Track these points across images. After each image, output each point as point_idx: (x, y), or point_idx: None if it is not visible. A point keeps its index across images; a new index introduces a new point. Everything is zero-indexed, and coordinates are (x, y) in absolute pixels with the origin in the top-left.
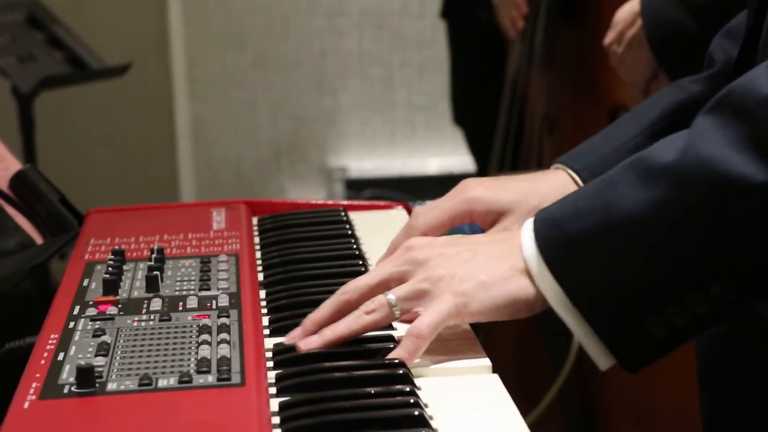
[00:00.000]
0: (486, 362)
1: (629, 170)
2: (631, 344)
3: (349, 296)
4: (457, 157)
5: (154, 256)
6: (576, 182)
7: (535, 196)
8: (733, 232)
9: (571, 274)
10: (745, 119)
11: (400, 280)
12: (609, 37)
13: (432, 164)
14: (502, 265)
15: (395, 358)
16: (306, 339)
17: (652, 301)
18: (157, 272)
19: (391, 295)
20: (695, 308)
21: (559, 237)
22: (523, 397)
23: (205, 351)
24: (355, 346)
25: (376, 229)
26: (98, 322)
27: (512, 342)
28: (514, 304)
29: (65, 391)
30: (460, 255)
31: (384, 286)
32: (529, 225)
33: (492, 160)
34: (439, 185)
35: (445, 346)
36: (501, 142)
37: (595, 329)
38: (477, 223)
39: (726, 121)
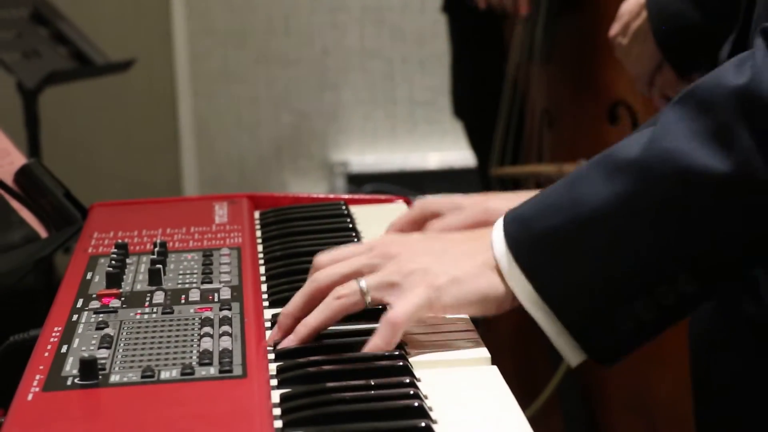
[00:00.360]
0: (485, 354)
1: (597, 166)
2: (601, 339)
3: (320, 284)
4: (457, 152)
5: (156, 249)
6: None
7: None
8: (698, 224)
9: (541, 271)
10: (709, 112)
11: (371, 271)
12: (614, 29)
13: (432, 159)
14: (474, 262)
15: (373, 350)
16: (284, 341)
17: (618, 294)
18: (160, 265)
19: (363, 282)
20: (662, 300)
21: (528, 235)
22: (523, 390)
23: (207, 343)
24: (355, 337)
25: (376, 223)
26: (101, 315)
27: (511, 335)
28: (484, 300)
29: (68, 383)
30: (432, 251)
31: (356, 275)
32: (499, 224)
33: (492, 154)
34: (439, 179)
35: (445, 338)
36: (501, 136)
37: (565, 325)
38: None
39: (691, 115)
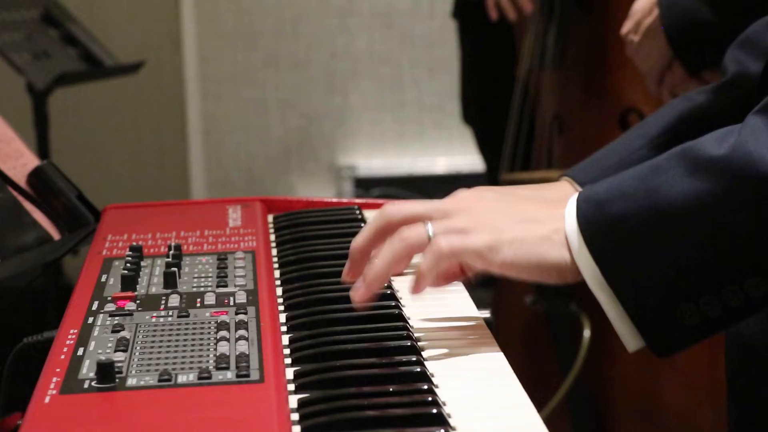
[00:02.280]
0: (504, 362)
1: (678, 158)
2: (662, 330)
3: (390, 218)
4: (465, 157)
5: (171, 252)
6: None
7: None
8: None
9: (609, 254)
10: None
11: (442, 217)
12: (626, 27)
13: (440, 163)
14: (543, 227)
15: (416, 275)
16: (356, 290)
17: (686, 289)
18: (175, 268)
19: (430, 226)
20: (728, 301)
21: (601, 217)
22: (531, 397)
23: (223, 347)
24: (373, 342)
25: None
26: (117, 318)
27: (519, 341)
28: (545, 266)
29: (86, 386)
30: (503, 210)
31: (426, 217)
32: (573, 200)
33: (503, 159)
34: (447, 184)
35: (464, 344)
36: (512, 141)
37: (627, 311)
38: None
39: None
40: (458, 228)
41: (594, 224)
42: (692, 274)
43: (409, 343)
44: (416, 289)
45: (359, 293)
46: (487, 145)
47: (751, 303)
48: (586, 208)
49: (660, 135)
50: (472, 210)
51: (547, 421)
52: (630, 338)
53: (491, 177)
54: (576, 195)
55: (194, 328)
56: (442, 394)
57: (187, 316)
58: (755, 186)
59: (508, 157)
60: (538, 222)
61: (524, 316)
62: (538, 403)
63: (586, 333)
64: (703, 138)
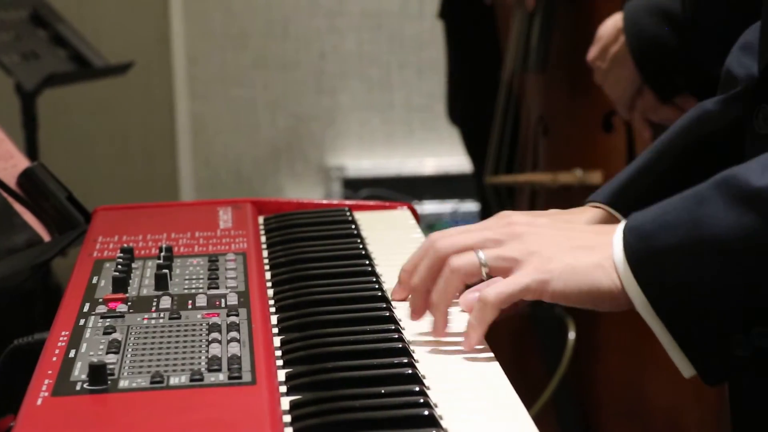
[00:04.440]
0: (495, 364)
1: (720, 189)
2: (712, 360)
3: (440, 252)
4: (453, 158)
5: (162, 254)
6: (619, 220)
7: None
8: None
9: (657, 286)
10: None
11: (493, 246)
12: (592, 53)
13: (429, 164)
14: (593, 255)
15: (468, 330)
16: (436, 329)
17: (736, 321)
18: (166, 270)
19: (482, 254)
20: None
21: (646, 249)
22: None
23: (215, 349)
24: (364, 344)
25: (381, 229)
26: (108, 320)
27: (507, 343)
28: (597, 294)
29: (78, 388)
30: (555, 236)
31: (478, 247)
32: (620, 229)
33: (487, 162)
34: (435, 185)
35: (455, 346)
36: (496, 143)
37: (677, 340)
38: None
39: None
40: (508, 257)
41: (640, 256)
42: (741, 306)
43: (400, 345)
44: (469, 344)
45: (434, 331)
46: (473, 145)
47: None
48: (632, 239)
49: (687, 158)
50: (522, 237)
51: (534, 421)
52: (683, 366)
53: (479, 178)
54: (622, 224)
55: (186, 330)
56: (433, 395)
57: (179, 318)
58: None
59: (493, 160)
60: (590, 249)
61: (511, 318)
62: (525, 403)
63: (571, 335)
64: (745, 166)
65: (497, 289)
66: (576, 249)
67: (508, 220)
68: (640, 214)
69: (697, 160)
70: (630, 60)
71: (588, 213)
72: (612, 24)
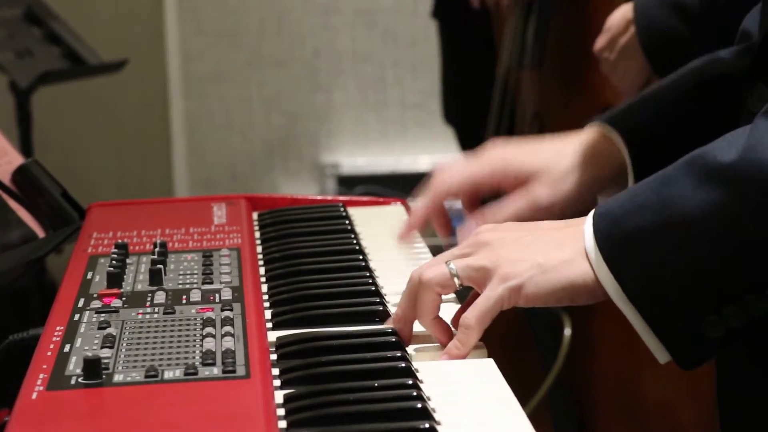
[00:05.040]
0: (489, 359)
1: (688, 168)
2: (686, 343)
3: (415, 275)
4: (448, 155)
5: (157, 249)
6: (613, 142)
7: (566, 156)
8: None
9: (628, 270)
10: None
11: (464, 256)
12: (600, 43)
13: (423, 161)
14: (563, 250)
15: (451, 356)
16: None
17: (707, 301)
18: (161, 266)
19: (452, 265)
20: (751, 310)
21: (616, 233)
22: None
23: (209, 343)
24: (358, 339)
25: (374, 225)
26: (103, 315)
27: (501, 340)
28: (572, 289)
29: (72, 382)
30: (521, 239)
31: (449, 260)
32: (590, 218)
33: None
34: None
35: (450, 340)
36: (492, 140)
37: (651, 325)
38: (503, 185)
39: None
40: (478, 265)
41: (610, 239)
42: (712, 286)
43: (393, 339)
44: (456, 357)
45: (452, 354)
46: (468, 145)
47: None
48: (602, 223)
49: (691, 91)
50: (489, 244)
51: (529, 418)
52: (658, 351)
53: None
54: (592, 212)
55: (180, 325)
56: (426, 389)
57: (173, 312)
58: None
59: None
60: (558, 244)
61: (506, 315)
62: (521, 400)
63: (567, 331)
64: (712, 144)
65: (474, 311)
66: (544, 246)
67: (477, 231)
68: (609, 200)
69: (703, 98)
70: (639, 51)
71: (582, 136)
72: (621, 15)
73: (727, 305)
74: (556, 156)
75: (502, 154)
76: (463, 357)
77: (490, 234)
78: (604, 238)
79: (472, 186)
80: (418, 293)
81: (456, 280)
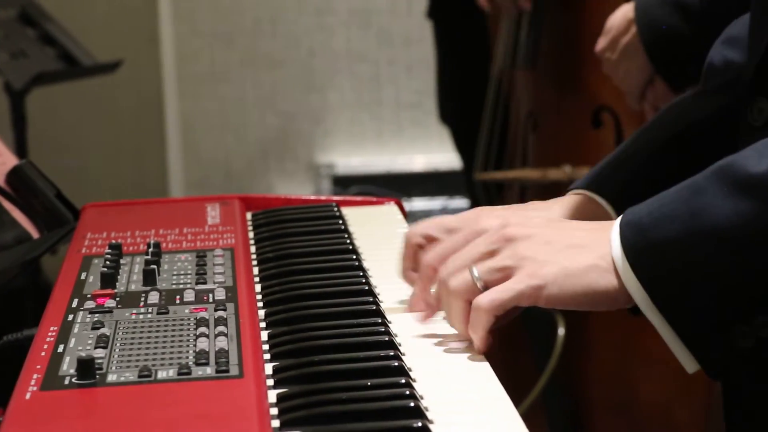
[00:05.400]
0: (482, 358)
1: (718, 178)
2: (716, 352)
3: (430, 263)
4: (443, 155)
5: (150, 250)
6: (599, 204)
7: None
8: None
9: (657, 279)
10: None
11: (487, 257)
12: (601, 44)
13: (418, 161)
14: (589, 255)
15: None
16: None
17: (738, 311)
18: (154, 266)
19: (476, 271)
20: None
21: (644, 243)
22: (508, 393)
23: (203, 343)
24: (351, 338)
25: (368, 224)
26: (97, 315)
27: (496, 339)
28: (593, 295)
29: (66, 382)
30: (549, 238)
31: (472, 263)
32: (616, 224)
33: (477, 158)
34: (425, 182)
35: (442, 340)
36: (486, 140)
37: (680, 335)
38: None
39: None
40: (501, 266)
41: (638, 249)
42: (743, 296)
43: (386, 338)
44: (480, 350)
45: (476, 347)
46: (464, 144)
47: None
48: (629, 233)
49: (669, 147)
50: (515, 241)
51: (524, 417)
52: (687, 361)
53: (469, 176)
54: (618, 220)
55: (174, 325)
56: (419, 388)
57: (167, 312)
58: None
59: (482, 157)
60: (585, 248)
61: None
62: (515, 399)
63: (561, 331)
64: (742, 154)
65: (490, 295)
66: (570, 249)
67: (503, 223)
68: (636, 208)
69: (678, 149)
70: (641, 50)
71: (566, 200)
72: (622, 15)
73: (757, 315)
74: None
75: (477, 227)
76: (480, 341)
77: (517, 229)
78: (631, 246)
79: None
80: (448, 301)
81: (480, 284)
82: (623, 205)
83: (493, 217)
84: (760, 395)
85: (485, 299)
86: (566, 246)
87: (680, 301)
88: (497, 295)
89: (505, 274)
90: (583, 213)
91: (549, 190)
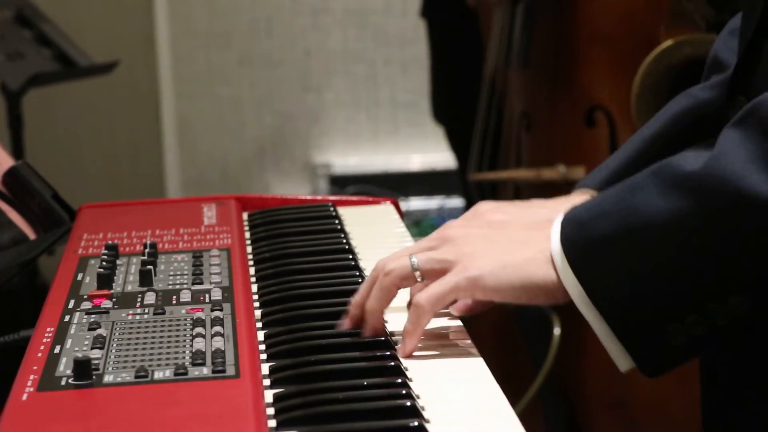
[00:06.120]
0: (478, 358)
1: (654, 176)
2: (650, 349)
3: (379, 265)
4: (439, 154)
5: (147, 250)
6: None
7: None
8: (749, 247)
9: (592, 274)
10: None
11: (428, 249)
12: None
13: (415, 160)
14: (529, 250)
15: (403, 335)
16: (364, 333)
17: (669, 308)
18: (151, 266)
19: (414, 258)
20: (714, 319)
21: (581, 238)
22: (504, 393)
23: (199, 344)
24: (347, 337)
25: (364, 224)
26: (93, 316)
27: (492, 337)
28: (531, 287)
29: (63, 383)
30: (488, 235)
31: (413, 254)
32: (558, 220)
33: (470, 159)
34: (422, 181)
35: (438, 340)
36: (479, 139)
37: (614, 330)
38: None
39: (750, 136)
40: (440, 258)
41: (576, 244)
42: (674, 293)
43: (383, 338)
44: (404, 351)
45: (365, 332)
46: (458, 144)
47: (738, 321)
48: (569, 228)
49: (663, 134)
50: (456, 240)
51: (520, 416)
52: (621, 358)
53: (464, 176)
54: (561, 215)
55: (170, 325)
56: (416, 387)
57: (163, 313)
58: (729, 202)
59: (476, 157)
60: (524, 244)
61: (496, 314)
62: (511, 398)
63: (556, 330)
64: (681, 154)
65: (428, 291)
66: (510, 244)
67: (445, 226)
68: (579, 205)
69: (685, 144)
70: None
71: (575, 199)
72: None
73: (690, 313)
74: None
75: (494, 219)
76: (414, 338)
77: (457, 230)
78: (569, 242)
79: None
80: (377, 282)
81: (417, 273)
82: None
83: (500, 212)
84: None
85: (424, 295)
86: (507, 242)
87: (615, 297)
88: (435, 289)
89: (442, 266)
90: None
91: (543, 190)
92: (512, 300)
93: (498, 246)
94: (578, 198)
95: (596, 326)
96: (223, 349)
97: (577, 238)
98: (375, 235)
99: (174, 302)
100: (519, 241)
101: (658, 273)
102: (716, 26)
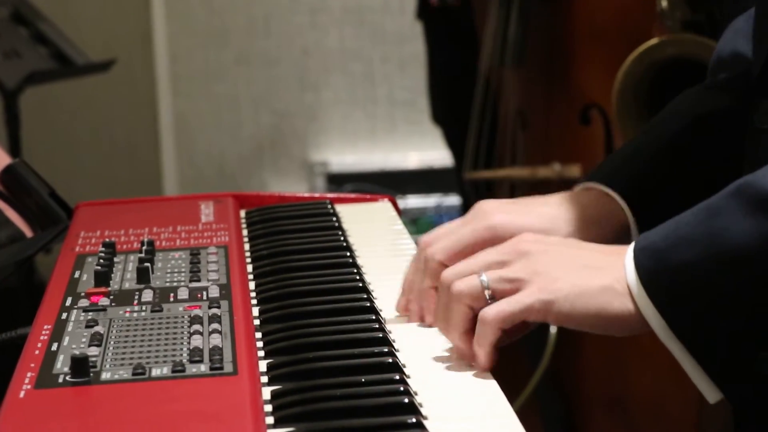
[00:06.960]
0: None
1: (735, 198)
2: (739, 381)
3: (445, 290)
4: (436, 152)
5: (144, 248)
6: (611, 198)
7: (567, 222)
8: None
9: (675, 306)
10: None
11: (499, 266)
12: None
13: (412, 159)
14: (604, 277)
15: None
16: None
17: (762, 337)
18: (148, 264)
19: (485, 277)
20: None
21: (660, 268)
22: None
23: (197, 341)
24: (345, 334)
25: (362, 221)
26: (91, 313)
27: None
28: (606, 317)
29: (60, 380)
30: (563, 255)
31: (482, 270)
32: (630, 249)
33: (466, 157)
34: (419, 179)
35: (436, 338)
36: (475, 138)
37: (700, 363)
38: None
39: None
40: (511, 278)
41: (655, 275)
42: (763, 322)
43: (380, 335)
44: (479, 366)
45: (478, 366)
46: (456, 143)
47: None
48: (644, 257)
49: (680, 137)
50: (529, 255)
51: (518, 414)
52: (708, 390)
53: (461, 174)
54: (632, 244)
55: (168, 323)
56: (414, 384)
57: (161, 310)
58: None
59: (472, 156)
60: (600, 270)
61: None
62: (508, 397)
63: (553, 329)
64: (760, 172)
65: (497, 307)
66: (585, 269)
67: (517, 238)
68: (649, 233)
69: (691, 141)
70: None
71: (577, 194)
72: None
73: None
74: (552, 222)
75: (495, 219)
76: (484, 356)
77: (531, 244)
78: (648, 273)
79: (465, 255)
80: (449, 305)
81: (487, 293)
82: (637, 198)
83: (503, 211)
84: None
85: (492, 311)
86: (581, 266)
87: (700, 327)
88: (505, 307)
89: (515, 286)
90: (596, 211)
91: (538, 188)
92: (584, 328)
93: (572, 268)
94: (582, 195)
95: (681, 359)
96: (220, 346)
97: (655, 267)
98: (372, 232)
99: (171, 299)
100: (594, 266)
101: (749, 300)
102: (692, 26)
